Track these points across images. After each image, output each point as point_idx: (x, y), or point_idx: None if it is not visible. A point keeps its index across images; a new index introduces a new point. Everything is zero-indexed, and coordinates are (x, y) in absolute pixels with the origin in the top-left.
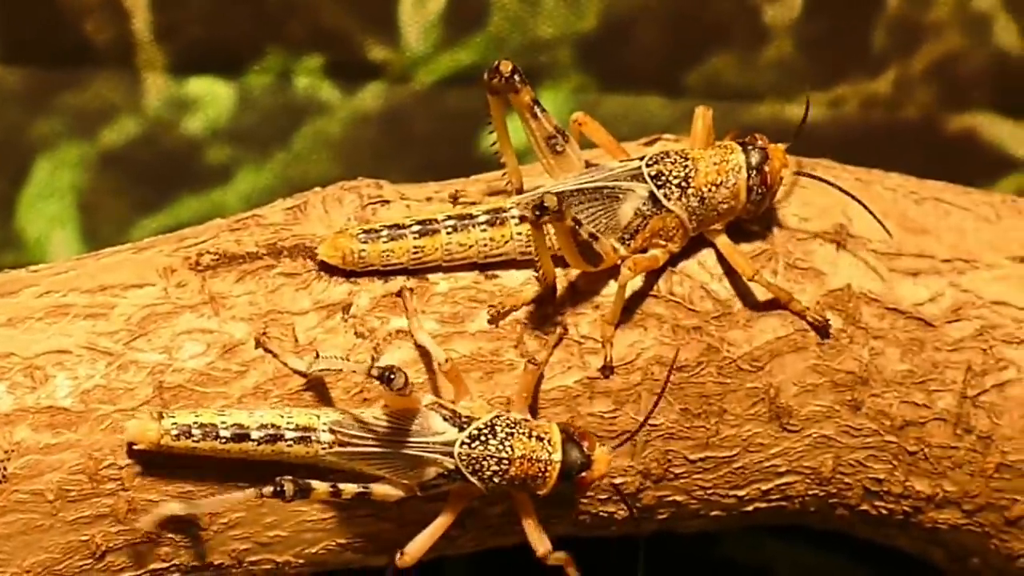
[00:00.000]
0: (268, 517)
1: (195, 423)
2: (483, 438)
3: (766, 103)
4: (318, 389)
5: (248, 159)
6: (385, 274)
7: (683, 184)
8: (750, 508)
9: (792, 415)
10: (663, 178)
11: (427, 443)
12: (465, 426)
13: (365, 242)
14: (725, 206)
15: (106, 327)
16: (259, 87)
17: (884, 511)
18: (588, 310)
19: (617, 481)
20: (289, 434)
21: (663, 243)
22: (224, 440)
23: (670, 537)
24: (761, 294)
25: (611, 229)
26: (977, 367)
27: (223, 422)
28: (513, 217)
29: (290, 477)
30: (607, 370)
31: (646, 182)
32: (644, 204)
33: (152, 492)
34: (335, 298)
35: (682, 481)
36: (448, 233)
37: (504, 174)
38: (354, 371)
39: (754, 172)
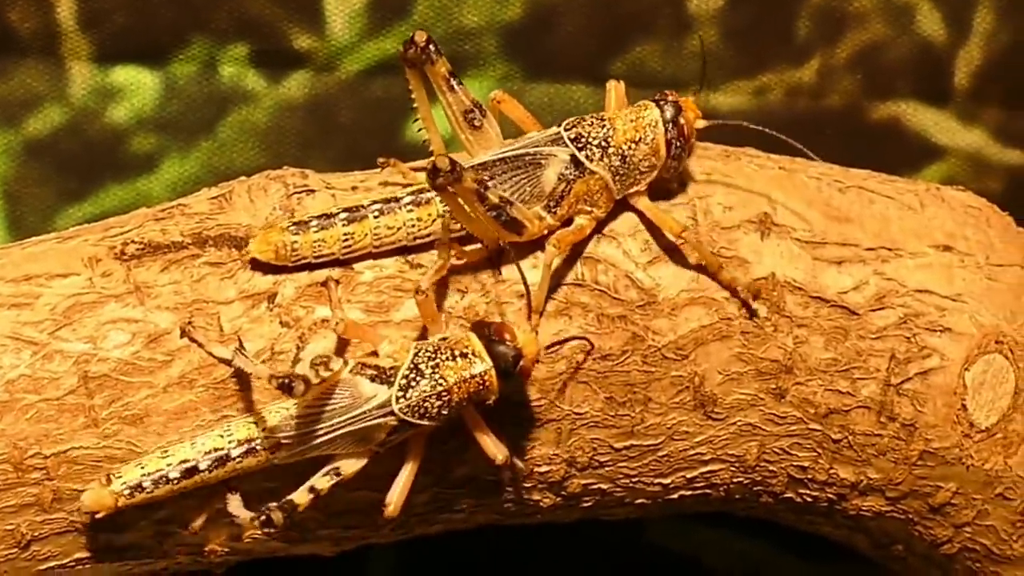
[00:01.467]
0: (196, 507)
1: (143, 475)
2: (414, 382)
3: (690, 92)
4: (243, 377)
5: (173, 148)
6: (316, 267)
7: (603, 144)
8: (675, 496)
9: (717, 403)
10: (583, 139)
11: (365, 412)
12: (392, 377)
13: (296, 234)
14: (647, 164)
15: (31, 317)
16: (184, 76)
17: (809, 498)
18: (512, 298)
19: (543, 469)
20: (235, 451)
21: (588, 209)
22: (176, 480)
23: (598, 524)
24: (687, 275)
25: (536, 197)
26: (901, 355)
27: (168, 464)
28: (437, 195)
29: (275, 504)
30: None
31: (566, 145)
32: (567, 168)
33: (77, 481)
34: (260, 287)
35: (607, 469)
36: (375, 217)
37: (430, 150)
38: (259, 377)
39: (671, 125)
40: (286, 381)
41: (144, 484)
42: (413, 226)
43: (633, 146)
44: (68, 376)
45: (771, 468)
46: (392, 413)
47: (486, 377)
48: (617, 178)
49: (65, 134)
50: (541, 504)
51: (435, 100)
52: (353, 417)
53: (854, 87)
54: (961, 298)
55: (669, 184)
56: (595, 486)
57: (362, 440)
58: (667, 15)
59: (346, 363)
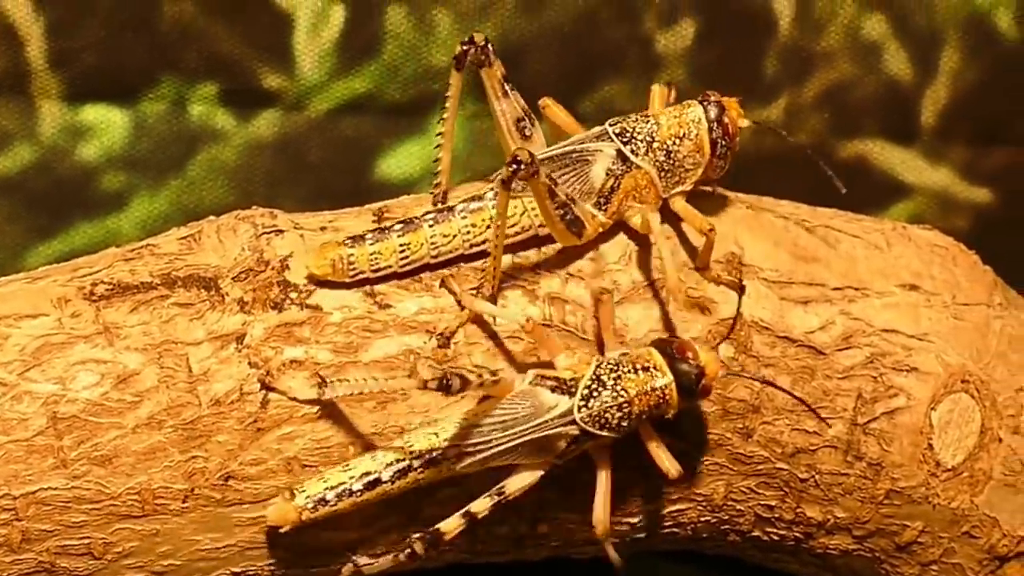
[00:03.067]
0: (162, 546)
1: (327, 488)
2: (595, 393)
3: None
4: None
5: (143, 186)
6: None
7: (648, 139)
8: (643, 535)
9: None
10: (628, 134)
11: (546, 422)
12: (574, 390)
13: (352, 247)
14: (691, 161)
15: (0, 357)
16: (154, 114)
17: (776, 537)
18: (481, 339)
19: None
20: (416, 463)
21: (638, 205)
22: (359, 492)
23: (562, 562)
24: (655, 316)
25: (585, 194)
26: (867, 395)
27: (351, 477)
28: (491, 200)
29: (419, 535)
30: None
31: (612, 140)
32: (614, 163)
33: (46, 522)
34: (229, 328)
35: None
36: (430, 226)
37: (437, 173)
38: (402, 389)
39: (715, 124)
40: (443, 380)
41: (327, 497)
42: (468, 233)
43: (678, 142)
44: (37, 417)
45: (738, 507)
46: (574, 423)
47: (667, 391)
48: (663, 174)
49: (35, 172)
50: (508, 539)
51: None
52: (535, 426)
53: (821, 126)
54: (927, 337)
55: (713, 184)
56: (563, 525)
57: (542, 450)
58: (635, 54)
59: (523, 376)
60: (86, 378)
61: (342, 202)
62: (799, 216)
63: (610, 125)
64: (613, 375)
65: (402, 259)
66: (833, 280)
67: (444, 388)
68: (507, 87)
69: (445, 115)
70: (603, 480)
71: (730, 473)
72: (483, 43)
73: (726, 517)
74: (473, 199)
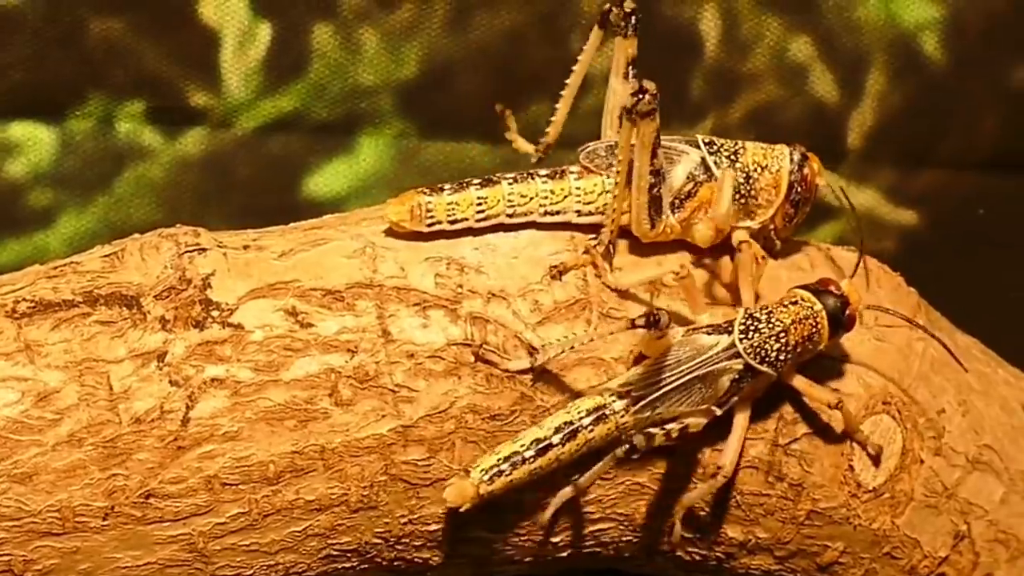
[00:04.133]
0: (82, 564)
1: (499, 460)
2: (753, 326)
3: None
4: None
5: (70, 203)
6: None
7: (732, 157)
8: (565, 554)
9: None
10: (715, 147)
11: (710, 357)
12: (730, 328)
13: (430, 195)
14: (766, 195)
15: None
16: (81, 132)
17: (698, 557)
18: (402, 358)
19: (432, 528)
20: (586, 420)
21: (707, 220)
22: (532, 459)
23: None
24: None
25: (665, 190)
26: (789, 416)
27: (521, 445)
28: (572, 172)
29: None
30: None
31: (699, 148)
32: (696, 168)
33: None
34: (150, 346)
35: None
36: (509, 184)
37: (550, 122)
38: (611, 332)
39: (796, 168)
40: (652, 316)
41: (502, 468)
42: (546, 198)
43: (759, 170)
44: None
45: (660, 527)
46: (738, 355)
47: (819, 319)
48: (738, 197)
49: None
50: (431, 562)
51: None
52: (700, 363)
53: None
54: (849, 359)
55: (779, 237)
56: (485, 544)
57: (708, 389)
58: (562, 74)
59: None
60: (6, 395)
61: (270, 220)
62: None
63: (700, 136)
64: (765, 312)
65: (479, 213)
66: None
67: (653, 324)
68: (631, 70)
69: (575, 67)
70: (740, 424)
71: (651, 493)
72: (630, 10)
73: (648, 537)
74: (556, 171)
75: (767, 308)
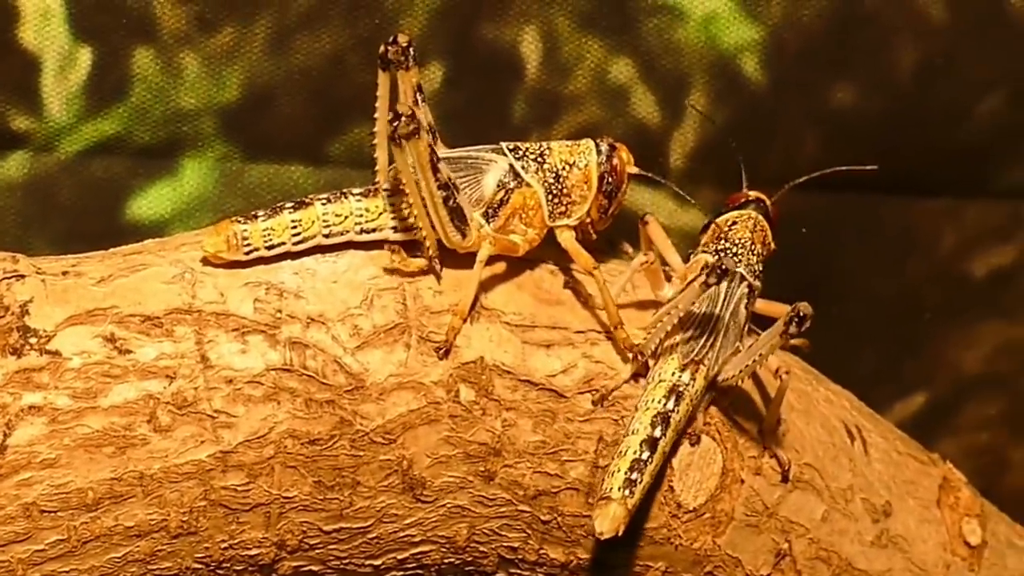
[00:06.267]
0: None
1: (626, 471)
2: (737, 254)
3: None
4: None
5: None
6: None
7: (539, 159)
8: None
9: (426, 486)
10: (521, 151)
11: (728, 298)
12: (723, 269)
13: (245, 223)
14: (578, 192)
15: None
16: None
17: None
18: (221, 384)
19: (252, 552)
20: (669, 404)
21: (523, 228)
22: (649, 459)
23: None
24: (395, 360)
25: (476, 202)
26: (609, 437)
27: (634, 452)
28: (385, 190)
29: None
30: (444, 352)
31: (506, 155)
32: (506, 176)
33: None
34: None
35: (317, 552)
36: (323, 204)
37: (375, 172)
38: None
39: (605, 159)
40: (717, 269)
41: (633, 477)
42: (361, 216)
43: (567, 168)
44: None
45: (481, 549)
46: (743, 279)
47: (761, 222)
48: (551, 198)
49: None
50: None
51: None
52: (723, 304)
53: None
54: None
55: (596, 230)
56: (306, 568)
57: (735, 325)
58: None
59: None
60: None
61: (94, 244)
62: (543, 260)
63: (505, 143)
64: (732, 243)
65: (295, 235)
66: (576, 323)
67: (722, 275)
68: (419, 97)
69: (376, 115)
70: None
71: (472, 515)
72: (406, 43)
73: (470, 559)
74: (370, 189)
75: (723, 236)
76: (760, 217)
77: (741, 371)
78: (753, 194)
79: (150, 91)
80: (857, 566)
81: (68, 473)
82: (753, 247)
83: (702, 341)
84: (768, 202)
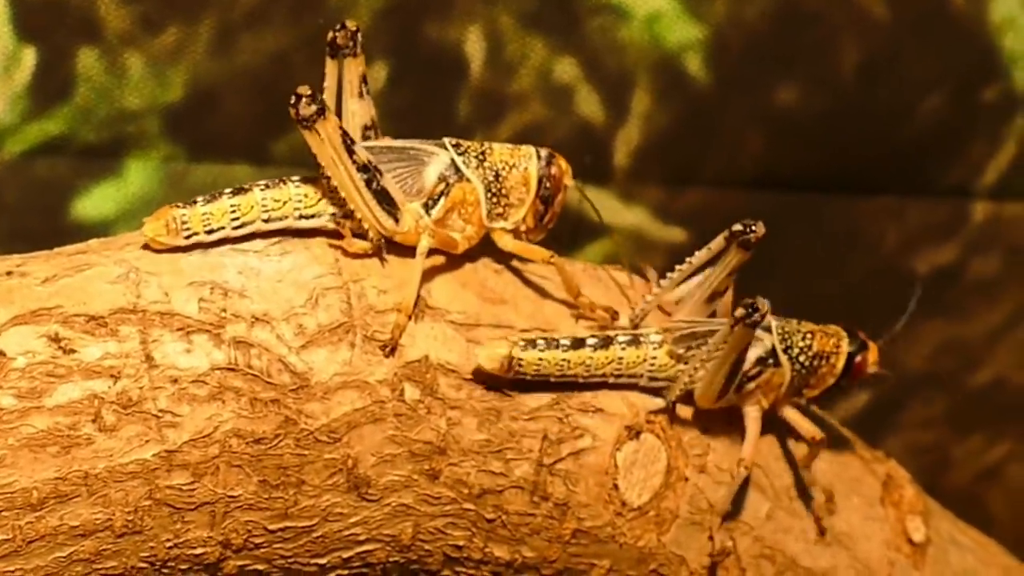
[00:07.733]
0: None
1: (536, 337)
2: (786, 322)
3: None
4: None
5: None
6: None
7: (480, 156)
8: (333, 575)
9: (370, 485)
10: (462, 148)
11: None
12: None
13: (184, 208)
14: (517, 194)
15: None
16: None
17: None
18: (166, 384)
19: (197, 551)
20: (622, 337)
21: (462, 225)
22: (565, 348)
23: None
24: (340, 359)
25: (417, 192)
26: (553, 436)
27: (559, 335)
28: (325, 176)
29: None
30: (390, 350)
31: (448, 150)
32: (447, 169)
33: None
34: None
35: (263, 551)
36: (262, 190)
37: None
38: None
39: (544, 164)
40: (748, 309)
41: (538, 342)
42: (300, 202)
43: (507, 168)
44: None
45: (426, 547)
46: (769, 330)
47: (840, 342)
48: (489, 196)
49: None
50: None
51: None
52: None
53: None
54: None
55: (532, 239)
56: (251, 567)
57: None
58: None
59: None
60: None
61: (39, 243)
62: (488, 258)
63: (446, 139)
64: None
65: (234, 221)
66: (521, 322)
67: (752, 311)
68: (364, 89)
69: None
70: (754, 417)
71: (417, 514)
72: (355, 29)
73: (415, 557)
74: (310, 176)
75: (799, 330)
76: (845, 348)
77: (696, 369)
78: (867, 343)
79: (94, 91)
80: (801, 564)
81: (13, 473)
82: (810, 339)
83: (691, 334)
84: (869, 361)
